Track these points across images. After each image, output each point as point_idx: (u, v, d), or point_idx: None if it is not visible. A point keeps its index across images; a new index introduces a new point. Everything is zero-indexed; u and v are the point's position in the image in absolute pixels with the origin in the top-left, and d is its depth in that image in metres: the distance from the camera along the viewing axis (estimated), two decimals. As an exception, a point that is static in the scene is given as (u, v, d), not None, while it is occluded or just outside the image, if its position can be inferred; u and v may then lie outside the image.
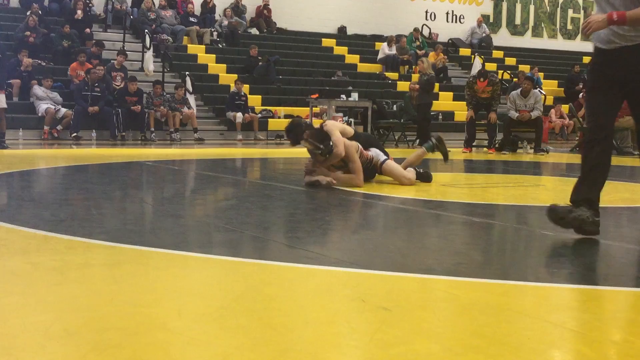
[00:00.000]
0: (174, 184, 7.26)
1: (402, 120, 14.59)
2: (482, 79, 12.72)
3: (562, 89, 20.90)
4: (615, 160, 11.20)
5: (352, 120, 14.79)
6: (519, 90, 12.90)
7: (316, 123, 14.24)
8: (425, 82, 13.20)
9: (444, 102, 18.76)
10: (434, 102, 18.26)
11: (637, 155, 12.49)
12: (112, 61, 15.37)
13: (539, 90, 14.61)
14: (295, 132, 6.45)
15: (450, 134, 16.07)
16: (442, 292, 2.89)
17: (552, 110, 17.66)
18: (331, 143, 6.27)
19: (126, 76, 14.91)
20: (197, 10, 19.34)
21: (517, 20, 25.59)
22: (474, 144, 14.12)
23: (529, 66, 21.14)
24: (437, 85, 19.46)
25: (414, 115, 14.46)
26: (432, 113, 16.02)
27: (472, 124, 12.54)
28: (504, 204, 5.88)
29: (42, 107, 13.53)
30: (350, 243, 3.96)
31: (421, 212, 5.31)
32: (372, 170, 6.68)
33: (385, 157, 6.75)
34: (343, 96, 14.62)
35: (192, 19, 18.85)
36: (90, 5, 17.54)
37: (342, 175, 6.36)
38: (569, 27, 26.35)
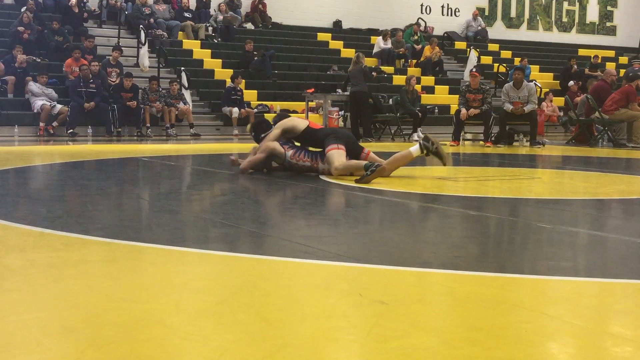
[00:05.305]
0: (170, 180, 7.24)
1: (398, 114, 14.58)
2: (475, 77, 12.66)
3: (558, 81, 20.93)
4: (611, 153, 11.27)
5: (347, 114, 14.78)
6: (511, 82, 12.86)
7: (312, 118, 14.33)
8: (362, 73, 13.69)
9: (440, 95, 18.77)
10: (430, 95, 18.36)
11: (632, 147, 12.52)
12: (107, 57, 15.34)
13: (534, 83, 14.59)
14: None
15: (446, 127, 16.08)
16: (439, 285, 2.89)
17: (544, 103, 17.67)
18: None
19: (122, 72, 14.88)
20: (192, 5, 19.30)
21: (513, 13, 25.58)
22: (469, 137, 14.12)
23: (521, 59, 21.17)
24: (432, 78, 19.55)
25: (410, 108, 14.46)
26: (427, 106, 16.00)
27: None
28: (500, 197, 5.89)
29: (38, 103, 13.50)
30: (347, 237, 3.96)
31: (417, 206, 5.31)
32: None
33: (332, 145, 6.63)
34: (339, 90, 14.60)
35: (186, 14, 18.81)
36: (85, 1, 17.51)
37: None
38: (565, 19, 26.34)
